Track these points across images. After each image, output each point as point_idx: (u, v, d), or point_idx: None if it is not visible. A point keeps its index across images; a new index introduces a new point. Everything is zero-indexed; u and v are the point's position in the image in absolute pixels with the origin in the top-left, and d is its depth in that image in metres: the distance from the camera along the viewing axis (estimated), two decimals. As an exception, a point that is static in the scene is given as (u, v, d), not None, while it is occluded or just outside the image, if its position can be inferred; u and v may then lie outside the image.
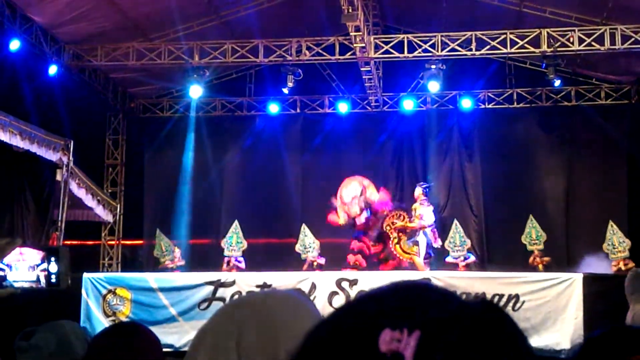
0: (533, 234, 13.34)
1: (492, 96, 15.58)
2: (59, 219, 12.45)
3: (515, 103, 15.49)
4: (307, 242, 13.20)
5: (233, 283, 11.09)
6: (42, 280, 9.71)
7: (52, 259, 9.51)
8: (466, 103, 15.44)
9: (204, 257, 14.67)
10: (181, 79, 14.34)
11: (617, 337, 1.41)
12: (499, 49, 13.03)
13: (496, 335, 0.71)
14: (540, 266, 12.96)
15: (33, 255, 9.88)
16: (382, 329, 0.70)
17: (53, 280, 9.45)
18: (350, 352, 0.70)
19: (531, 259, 13.11)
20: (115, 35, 13.44)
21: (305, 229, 13.33)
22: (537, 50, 12.95)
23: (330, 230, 14.31)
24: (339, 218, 12.67)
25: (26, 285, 9.91)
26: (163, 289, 11.20)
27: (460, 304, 0.74)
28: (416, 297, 0.74)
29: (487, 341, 0.70)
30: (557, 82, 13.99)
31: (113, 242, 15.70)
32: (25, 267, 9.81)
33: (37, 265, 9.76)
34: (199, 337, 1.23)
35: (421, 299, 0.73)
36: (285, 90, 14.34)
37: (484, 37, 12.98)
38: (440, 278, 10.58)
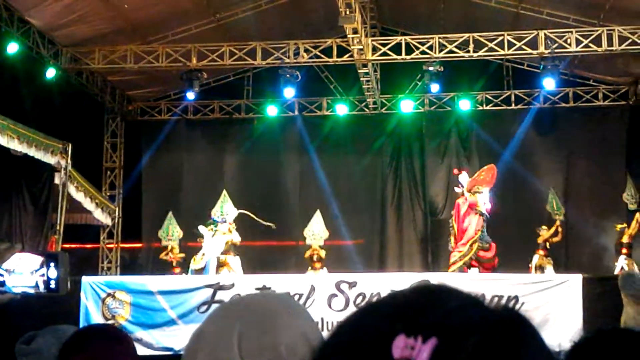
0: (554, 205, 13.53)
1: (490, 97, 15.59)
2: (58, 222, 12.43)
3: (513, 104, 15.50)
4: (317, 230, 13.21)
5: (232, 286, 11.09)
6: (41, 285, 9.67)
7: (52, 264, 9.47)
8: (464, 104, 15.43)
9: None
10: (179, 81, 14.32)
11: (601, 342, 1.39)
12: (497, 51, 13.03)
13: (517, 346, 0.69)
14: (548, 265, 12.87)
15: (32, 260, 9.85)
16: (396, 335, 0.68)
17: (52, 286, 9.42)
18: (363, 357, 0.69)
19: (537, 261, 13.02)
20: (112, 38, 13.44)
21: (318, 216, 13.36)
22: (534, 52, 12.97)
23: (333, 233, 14.28)
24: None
25: (25, 290, 9.89)
26: (162, 292, 11.19)
27: (482, 310, 0.72)
28: (435, 301, 0.72)
29: (506, 351, 0.68)
30: (552, 85, 13.79)
31: (112, 246, 15.67)
32: (25, 272, 9.78)
33: (36, 271, 9.73)
34: (197, 337, 1.22)
35: (440, 303, 0.71)
36: (289, 94, 14.24)
37: (481, 39, 12.99)
38: (439, 280, 10.57)
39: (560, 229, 13.21)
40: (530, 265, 12.90)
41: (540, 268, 12.77)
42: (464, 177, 13.16)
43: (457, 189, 13.34)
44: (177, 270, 13.42)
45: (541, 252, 13.01)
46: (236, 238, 12.95)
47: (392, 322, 0.70)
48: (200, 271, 12.64)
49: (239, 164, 15.87)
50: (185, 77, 13.90)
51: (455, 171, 13.63)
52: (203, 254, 12.75)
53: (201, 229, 13.05)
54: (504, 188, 14.35)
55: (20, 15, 12.04)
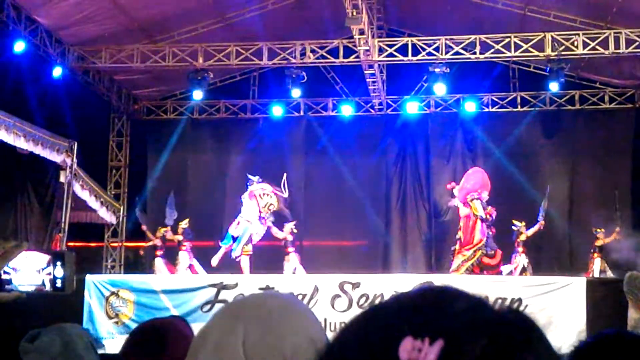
0: None
1: (496, 99, 15.57)
2: (63, 220, 12.46)
3: (519, 106, 15.48)
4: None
5: (236, 285, 11.11)
6: (47, 284, 9.67)
7: (58, 263, 9.48)
8: (470, 106, 15.42)
9: (206, 259, 14.64)
10: (185, 81, 14.34)
11: (605, 346, 1.38)
12: (503, 53, 13.02)
13: (524, 348, 0.69)
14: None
15: (39, 258, 9.85)
16: (403, 337, 0.68)
17: (58, 284, 9.43)
18: (370, 359, 0.69)
19: (600, 265, 12.76)
20: (119, 37, 13.46)
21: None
22: (541, 54, 12.94)
23: (336, 233, 14.30)
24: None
25: (31, 289, 9.89)
26: (166, 291, 11.21)
27: (488, 312, 0.71)
28: (441, 303, 0.71)
29: (513, 354, 0.68)
30: (558, 87, 13.71)
31: (116, 244, 15.70)
32: (31, 270, 9.79)
33: (43, 269, 9.74)
34: (201, 337, 1.22)
35: (446, 305, 0.71)
36: (295, 94, 14.23)
37: (488, 41, 12.97)
38: (443, 282, 10.56)
39: (618, 237, 12.87)
40: (589, 269, 12.73)
41: (603, 272, 12.48)
42: (456, 191, 13.19)
43: (450, 203, 13.38)
44: (159, 253, 13.42)
45: (597, 255, 12.83)
46: (276, 201, 13.31)
47: (399, 324, 0.69)
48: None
49: (244, 164, 15.86)
50: (192, 77, 13.92)
51: (449, 186, 13.63)
52: (238, 222, 13.13)
53: (243, 196, 13.46)
54: (508, 190, 14.32)
55: (28, 14, 12.07)
